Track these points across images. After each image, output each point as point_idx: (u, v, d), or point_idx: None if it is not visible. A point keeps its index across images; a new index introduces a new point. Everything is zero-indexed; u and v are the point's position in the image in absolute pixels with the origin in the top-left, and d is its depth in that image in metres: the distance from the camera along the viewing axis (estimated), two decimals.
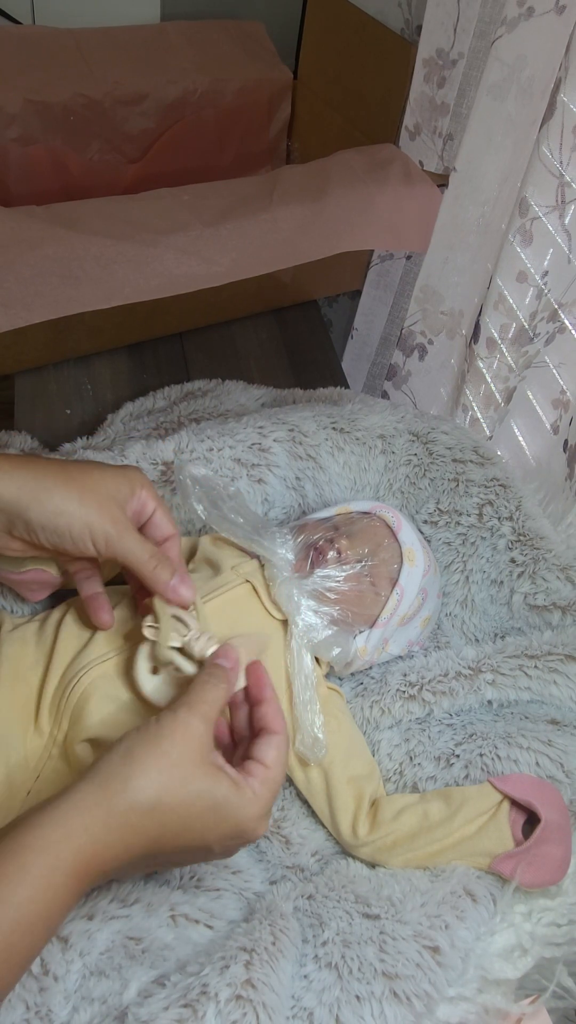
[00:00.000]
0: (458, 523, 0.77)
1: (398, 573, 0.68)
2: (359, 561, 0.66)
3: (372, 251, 1.11)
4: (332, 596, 0.63)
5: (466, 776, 0.61)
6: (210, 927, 0.53)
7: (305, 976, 0.49)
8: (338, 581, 0.64)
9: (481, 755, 0.62)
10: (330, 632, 0.62)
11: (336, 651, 0.62)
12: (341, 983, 0.48)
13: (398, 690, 0.67)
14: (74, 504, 0.51)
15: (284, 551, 0.63)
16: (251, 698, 0.51)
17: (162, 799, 0.43)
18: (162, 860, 0.46)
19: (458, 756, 0.62)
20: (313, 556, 0.65)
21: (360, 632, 0.67)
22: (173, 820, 0.43)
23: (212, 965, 0.47)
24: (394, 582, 0.68)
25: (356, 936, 0.50)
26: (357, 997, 0.47)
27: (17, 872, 0.39)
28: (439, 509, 0.78)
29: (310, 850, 0.61)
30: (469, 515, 0.76)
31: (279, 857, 0.59)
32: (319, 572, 0.64)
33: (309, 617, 0.62)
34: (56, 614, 0.62)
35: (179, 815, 0.43)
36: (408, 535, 0.70)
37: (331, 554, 0.65)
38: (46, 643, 0.60)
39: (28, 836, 0.40)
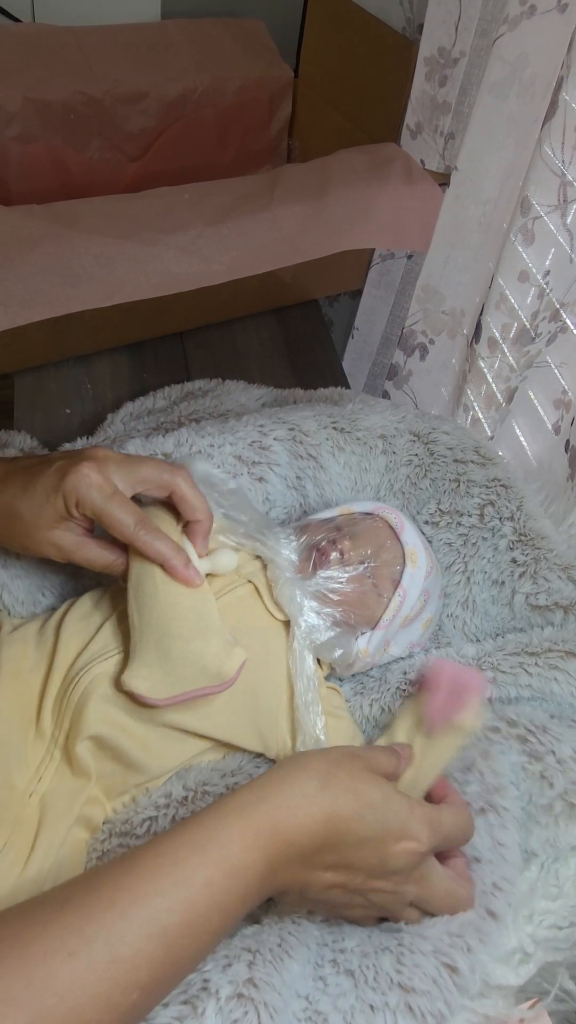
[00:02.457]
0: (459, 523, 0.76)
1: (400, 574, 0.68)
2: (362, 562, 0.66)
3: (373, 250, 1.11)
4: (334, 597, 0.63)
5: (461, 757, 0.61)
6: None
7: (321, 978, 0.48)
8: (341, 582, 0.64)
9: (478, 739, 0.61)
10: (332, 634, 0.62)
11: (338, 652, 0.62)
12: (357, 991, 0.47)
13: (398, 688, 0.67)
14: (17, 547, 0.56)
15: (288, 552, 0.63)
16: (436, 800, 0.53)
17: (330, 778, 0.45)
18: (340, 856, 0.45)
19: None
20: (316, 557, 0.65)
21: (362, 633, 0.66)
22: (345, 799, 0.45)
23: (215, 962, 0.46)
24: (396, 583, 0.67)
25: (374, 945, 0.50)
26: (371, 1007, 0.46)
27: (209, 842, 0.42)
28: (440, 510, 0.78)
29: None
30: (470, 515, 0.76)
31: None
32: (322, 573, 0.64)
33: (311, 618, 0.61)
34: (57, 615, 0.62)
35: (351, 795, 0.45)
36: (410, 536, 0.70)
37: (334, 555, 0.65)
38: (47, 645, 0.60)
39: (209, 818, 0.43)
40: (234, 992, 0.44)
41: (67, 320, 0.79)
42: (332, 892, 0.47)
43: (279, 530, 0.65)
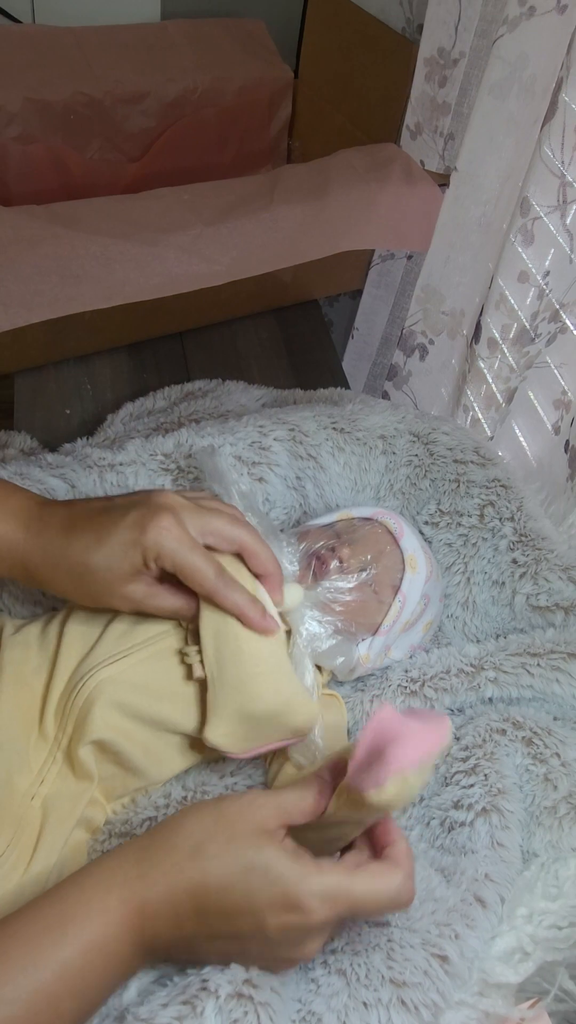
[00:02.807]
0: (459, 524, 0.76)
1: (400, 580, 0.68)
2: (362, 569, 0.66)
3: (373, 250, 1.11)
4: (336, 607, 0.63)
5: (465, 759, 0.61)
6: None
7: (313, 980, 0.48)
8: (341, 591, 0.63)
9: (483, 741, 0.62)
10: (334, 642, 0.61)
11: (340, 660, 0.61)
12: (349, 990, 0.47)
13: (399, 685, 0.66)
14: (87, 600, 0.54)
15: (287, 561, 0.62)
16: (377, 843, 0.47)
17: (204, 844, 0.42)
18: (214, 929, 0.42)
19: (458, 739, 0.62)
20: (316, 566, 0.65)
21: (362, 640, 0.66)
22: (216, 867, 0.41)
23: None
24: (396, 589, 0.67)
25: (364, 943, 0.50)
26: (364, 1004, 0.46)
27: (65, 919, 0.40)
28: (440, 510, 0.78)
29: None
30: (470, 516, 0.76)
31: None
32: (322, 583, 0.63)
33: (313, 627, 0.61)
34: (59, 616, 0.62)
35: (223, 862, 0.42)
36: (410, 541, 0.70)
37: (333, 563, 0.65)
38: (49, 647, 0.59)
39: (71, 890, 0.41)
40: (234, 992, 0.44)
41: (67, 320, 0.79)
42: (231, 960, 0.44)
43: (281, 536, 0.65)
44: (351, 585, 0.64)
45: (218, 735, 0.54)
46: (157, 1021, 0.43)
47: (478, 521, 0.75)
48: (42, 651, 0.59)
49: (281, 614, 0.60)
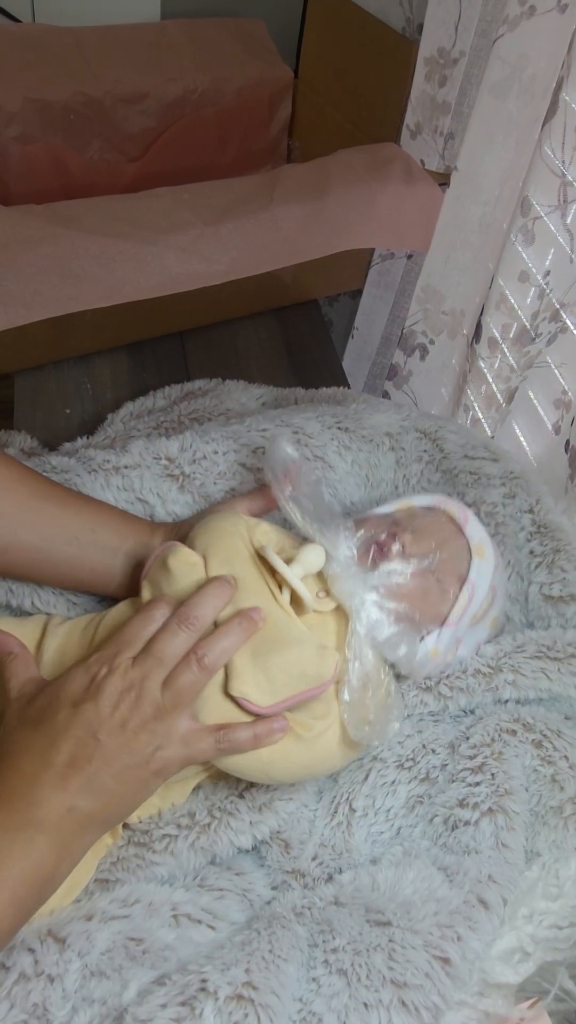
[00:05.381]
0: (492, 514, 0.74)
1: (467, 569, 0.65)
2: (424, 557, 0.63)
3: (373, 250, 1.11)
4: (396, 593, 0.61)
5: (472, 756, 0.60)
6: (212, 928, 0.53)
7: (314, 979, 0.48)
8: (402, 577, 0.61)
9: (492, 740, 0.61)
10: (395, 629, 0.59)
11: (403, 650, 0.59)
12: (350, 990, 0.47)
13: (413, 680, 0.65)
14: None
15: (347, 546, 0.61)
16: None
17: None
18: (32, 744, 0.49)
19: (468, 738, 0.62)
20: (375, 551, 0.62)
21: (429, 632, 0.63)
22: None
23: (212, 964, 0.46)
24: (462, 578, 0.64)
25: (365, 943, 0.49)
26: (365, 1004, 0.46)
27: None
28: (464, 503, 0.76)
29: (310, 854, 0.60)
30: (496, 506, 0.74)
31: (278, 862, 0.59)
32: (383, 567, 0.61)
33: (374, 613, 0.59)
34: (101, 614, 0.62)
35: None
36: (476, 529, 0.67)
37: (395, 548, 0.62)
38: (88, 637, 0.60)
39: None
40: (233, 993, 0.44)
41: (67, 320, 0.79)
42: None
43: (340, 523, 0.62)
44: (411, 570, 0.61)
45: (245, 685, 0.53)
46: (156, 1023, 0.43)
47: (502, 511, 0.74)
48: (82, 642, 0.60)
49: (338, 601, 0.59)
